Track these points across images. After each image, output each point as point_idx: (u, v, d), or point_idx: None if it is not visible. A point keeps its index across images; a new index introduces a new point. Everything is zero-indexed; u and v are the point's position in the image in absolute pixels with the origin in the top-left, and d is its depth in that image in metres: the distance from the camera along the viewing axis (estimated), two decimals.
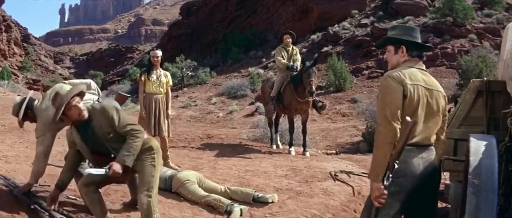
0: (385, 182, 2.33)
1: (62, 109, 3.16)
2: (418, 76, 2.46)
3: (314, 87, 7.12)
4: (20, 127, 4.05)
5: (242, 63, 33.12)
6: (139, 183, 3.31)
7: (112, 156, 3.28)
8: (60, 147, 4.95)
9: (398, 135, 2.34)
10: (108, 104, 3.41)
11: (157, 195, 3.27)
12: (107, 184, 3.56)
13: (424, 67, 2.57)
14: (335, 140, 13.75)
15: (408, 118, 2.32)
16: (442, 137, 2.70)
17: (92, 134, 3.25)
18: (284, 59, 7.83)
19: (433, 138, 2.55)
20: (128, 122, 3.27)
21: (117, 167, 3.11)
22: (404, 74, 2.42)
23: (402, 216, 2.56)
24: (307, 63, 7.29)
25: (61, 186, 3.41)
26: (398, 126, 2.34)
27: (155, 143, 3.39)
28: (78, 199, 3.90)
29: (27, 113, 3.86)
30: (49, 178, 4.33)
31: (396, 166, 2.34)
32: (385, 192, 2.34)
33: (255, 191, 4.68)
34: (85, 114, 3.23)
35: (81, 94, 3.30)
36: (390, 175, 2.34)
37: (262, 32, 37.20)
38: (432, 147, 2.56)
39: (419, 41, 2.62)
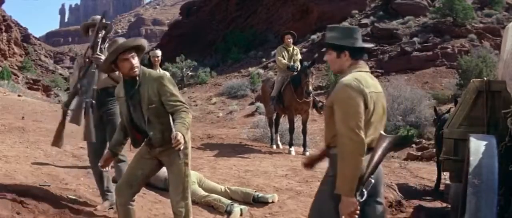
0: (358, 197, 2.27)
1: (116, 55, 2.88)
2: (369, 82, 2.41)
3: (311, 87, 7.22)
4: (83, 36, 4.03)
5: (242, 63, 33.06)
6: (171, 183, 3.02)
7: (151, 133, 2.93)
8: (66, 146, 4.94)
9: (365, 145, 2.29)
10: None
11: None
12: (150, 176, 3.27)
13: (367, 68, 2.51)
14: None
15: (383, 133, 2.32)
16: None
17: (136, 98, 2.93)
18: (284, 59, 7.86)
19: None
20: (180, 98, 2.98)
21: (179, 136, 2.72)
22: (361, 82, 2.35)
23: None
24: (305, 64, 7.43)
25: (111, 148, 3.15)
26: (364, 136, 2.29)
27: (189, 134, 3.00)
28: (78, 199, 3.90)
29: (90, 29, 3.86)
30: (49, 178, 4.33)
31: (373, 181, 2.30)
32: (358, 207, 2.27)
33: (255, 191, 4.68)
34: (137, 71, 2.93)
35: (139, 50, 2.99)
36: (365, 191, 2.28)
37: (262, 32, 37.12)
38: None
39: (361, 43, 2.50)
